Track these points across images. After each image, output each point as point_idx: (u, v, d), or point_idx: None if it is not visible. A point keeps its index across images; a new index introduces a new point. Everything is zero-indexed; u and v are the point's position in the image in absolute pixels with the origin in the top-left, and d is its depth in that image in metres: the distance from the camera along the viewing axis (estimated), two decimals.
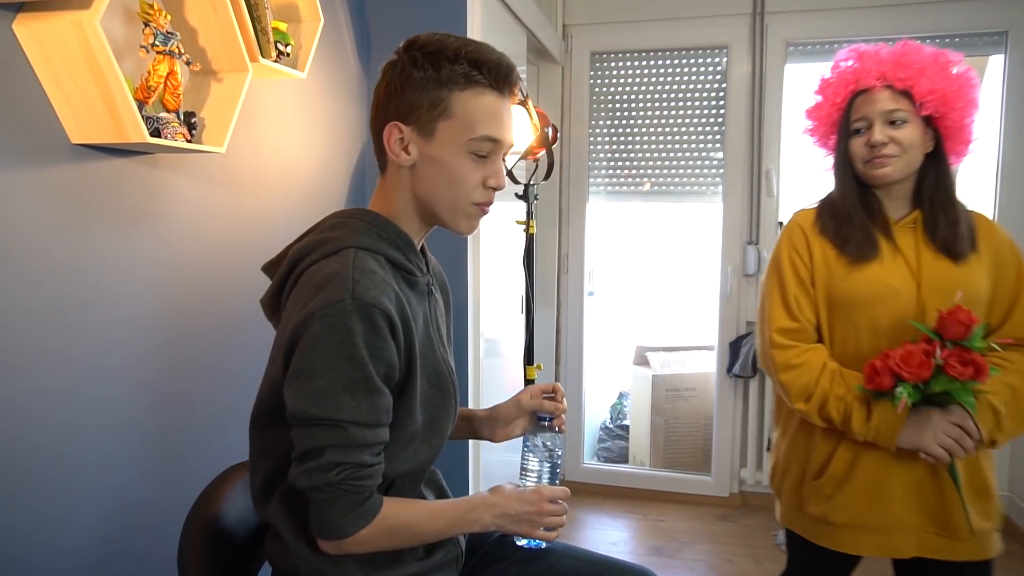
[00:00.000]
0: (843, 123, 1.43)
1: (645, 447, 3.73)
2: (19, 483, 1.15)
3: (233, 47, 1.38)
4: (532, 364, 2.15)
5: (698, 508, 3.39)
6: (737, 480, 3.43)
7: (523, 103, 2.01)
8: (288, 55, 1.60)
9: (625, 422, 4.06)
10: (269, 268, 1.06)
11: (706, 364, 3.70)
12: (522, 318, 3.05)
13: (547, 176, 2.15)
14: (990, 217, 1.46)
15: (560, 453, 1.16)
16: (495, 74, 0.96)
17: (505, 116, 0.99)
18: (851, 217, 1.41)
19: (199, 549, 1.03)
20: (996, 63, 3.16)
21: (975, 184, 3.29)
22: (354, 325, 0.88)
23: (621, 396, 4.24)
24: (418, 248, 1.04)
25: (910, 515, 1.38)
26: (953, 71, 1.37)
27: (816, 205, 1.50)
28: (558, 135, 2.05)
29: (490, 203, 1.01)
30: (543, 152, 2.05)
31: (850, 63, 1.43)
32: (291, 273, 0.99)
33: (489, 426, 1.21)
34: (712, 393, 3.56)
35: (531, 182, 2.10)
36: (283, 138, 1.78)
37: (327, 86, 1.97)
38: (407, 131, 0.97)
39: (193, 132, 1.32)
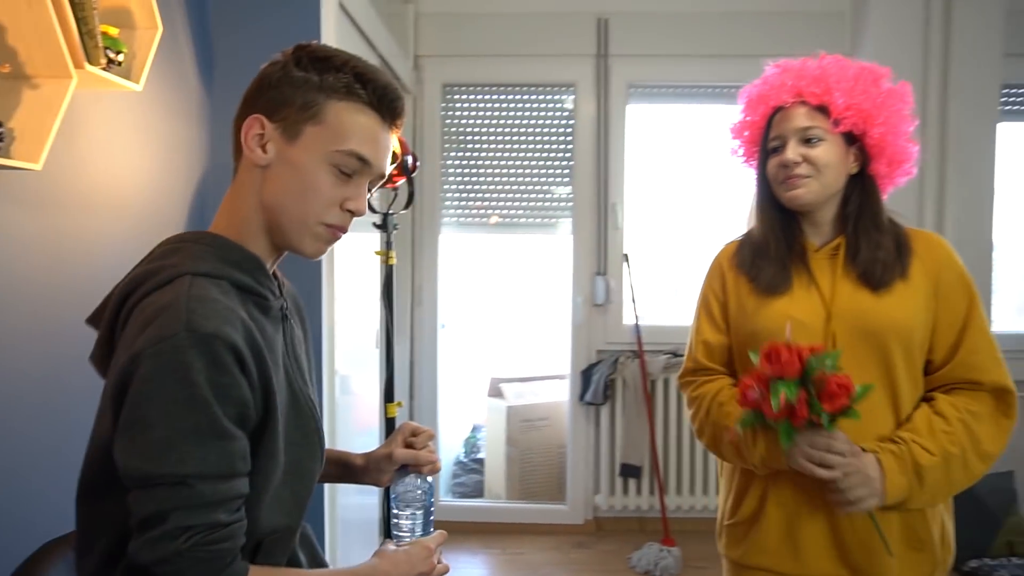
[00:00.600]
0: (762, 143, 1.35)
1: (501, 479, 3.70)
2: None
3: (53, 49, 1.20)
4: (392, 401, 2.05)
5: (556, 538, 3.40)
6: (592, 507, 3.49)
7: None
8: (119, 64, 1.42)
9: (480, 455, 4.02)
10: (94, 319, 0.90)
11: (558, 393, 3.75)
12: (376, 352, 2.93)
13: (407, 205, 2.09)
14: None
15: (431, 499, 1.07)
16: (380, 96, 0.90)
17: (381, 141, 0.92)
18: (767, 248, 1.33)
19: None
20: None
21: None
22: (192, 361, 0.76)
23: (475, 429, 4.20)
24: (270, 271, 0.93)
25: (826, 564, 1.28)
26: (878, 86, 1.28)
27: (741, 236, 1.43)
28: (417, 164, 1.99)
29: (344, 229, 0.93)
30: (403, 181, 1.98)
31: (771, 77, 1.34)
32: (120, 312, 0.85)
33: (372, 475, 1.10)
34: (565, 422, 3.61)
35: (391, 211, 2.02)
36: (113, 156, 1.58)
37: (165, 101, 1.78)
38: (269, 128, 0.88)
39: (0, 144, 1.13)
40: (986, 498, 3.09)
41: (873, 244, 1.27)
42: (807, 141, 1.27)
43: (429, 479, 1.06)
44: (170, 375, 0.75)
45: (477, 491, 3.82)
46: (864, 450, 1.20)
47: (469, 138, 3.54)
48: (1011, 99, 3.44)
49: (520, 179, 3.53)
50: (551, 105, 3.54)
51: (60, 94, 1.22)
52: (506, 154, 3.52)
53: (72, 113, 1.40)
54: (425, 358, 3.54)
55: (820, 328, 1.26)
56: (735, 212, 3.43)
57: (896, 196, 3.32)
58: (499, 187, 3.54)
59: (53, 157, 1.34)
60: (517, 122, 3.53)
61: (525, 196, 3.54)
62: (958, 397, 1.25)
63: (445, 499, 3.65)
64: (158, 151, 1.77)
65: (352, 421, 2.42)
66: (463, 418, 4.20)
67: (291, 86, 0.88)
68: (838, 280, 1.28)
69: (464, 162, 3.54)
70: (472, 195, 3.55)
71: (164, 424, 0.75)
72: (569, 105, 3.51)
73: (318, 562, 1.04)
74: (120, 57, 1.42)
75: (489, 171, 3.54)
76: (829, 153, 1.27)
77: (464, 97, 3.55)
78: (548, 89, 3.52)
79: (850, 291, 1.27)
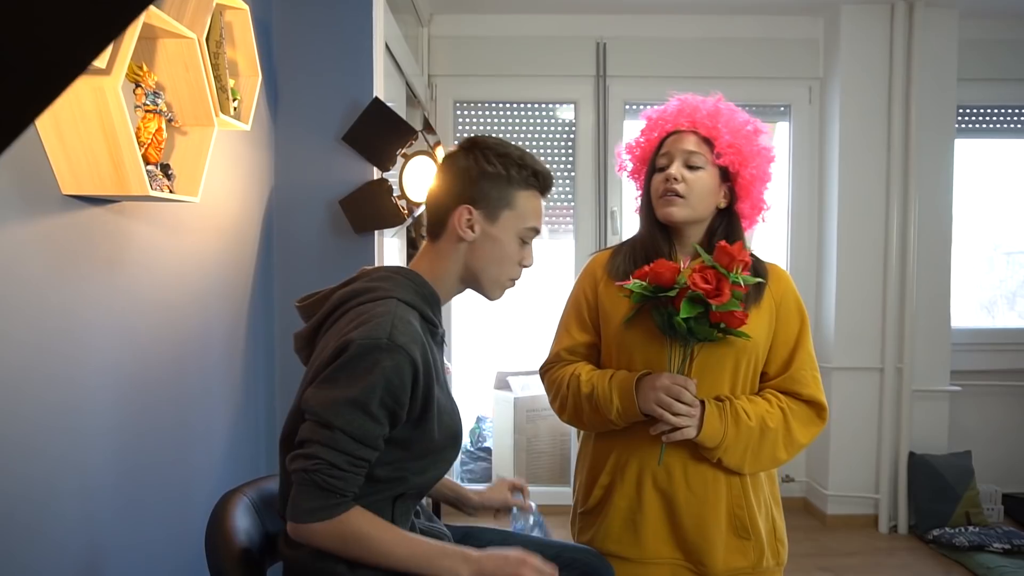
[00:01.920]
0: (651, 160, 1.51)
1: (509, 465, 4.01)
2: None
3: (201, 104, 1.48)
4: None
5: (562, 517, 3.71)
6: None
7: (430, 152, 2.23)
8: (236, 109, 1.71)
9: (485, 444, 4.32)
10: (307, 307, 1.21)
11: None
12: None
13: None
14: (784, 267, 1.57)
15: (542, 523, 1.44)
16: (544, 182, 1.25)
17: (542, 212, 1.27)
18: (638, 259, 1.46)
19: (225, 560, 1.14)
20: (783, 129, 3.90)
21: (771, 237, 4.01)
22: (382, 360, 1.06)
23: (479, 420, 4.50)
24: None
25: (664, 548, 1.44)
26: (756, 139, 1.46)
27: (615, 246, 1.58)
28: None
29: (519, 279, 1.27)
30: None
31: (672, 106, 1.51)
32: (334, 311, 1.16)
33: (482, 512, 1.47)
34: None
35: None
36: (217, 184, 1.86)
37: (252, 134, 2.07)
38: (476, 214, 1.19)
39: (170, 183, 1.41)
40: (946, 474, 3.49)
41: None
42: (689, 166, 1.44)
43: (536, 514, 1.43)
44: (364, 362, 1.06)
45: (485, 476, 4.13)
46: None
47: None
48: (965, 118, 3.84)
49: None
50: (553, 118, 3.86)
51: (206, 139, 1.50)
52: None
53: None
54: None
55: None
56: None
57: (865, 204, 3.66)
58: None
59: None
60: (522, 134, 3.84)
61: None
62: (782, 395, 1.45)
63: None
64: (246, 177, 2.06)
65: None
66: (468, 410, 4.50)
67: (488, 181, 1.19)
68: None
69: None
70: None
71: (340, 389, 1.06)
72: (569, 115, 3.83)
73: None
74: (235, 103, 1.70)
75: None
76: (705, 181, 1.45)
77: (474, 113, 3.85)
78: (550, 106, 3.84)
79: None
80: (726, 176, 1.47)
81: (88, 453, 1.35)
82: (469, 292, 1.29)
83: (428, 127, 2.22)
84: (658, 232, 1.50)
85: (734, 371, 1.44)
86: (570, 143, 3.83)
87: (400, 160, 2.32)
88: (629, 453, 1.48)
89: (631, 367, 1.46)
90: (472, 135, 1.27)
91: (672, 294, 1.30)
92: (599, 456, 1.53)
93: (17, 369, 1.16)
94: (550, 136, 3.84)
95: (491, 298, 1.26)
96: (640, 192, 1.57)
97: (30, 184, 1.20)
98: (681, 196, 1.43)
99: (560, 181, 3.84)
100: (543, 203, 1.28)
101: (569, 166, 3.82)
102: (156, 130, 1.34)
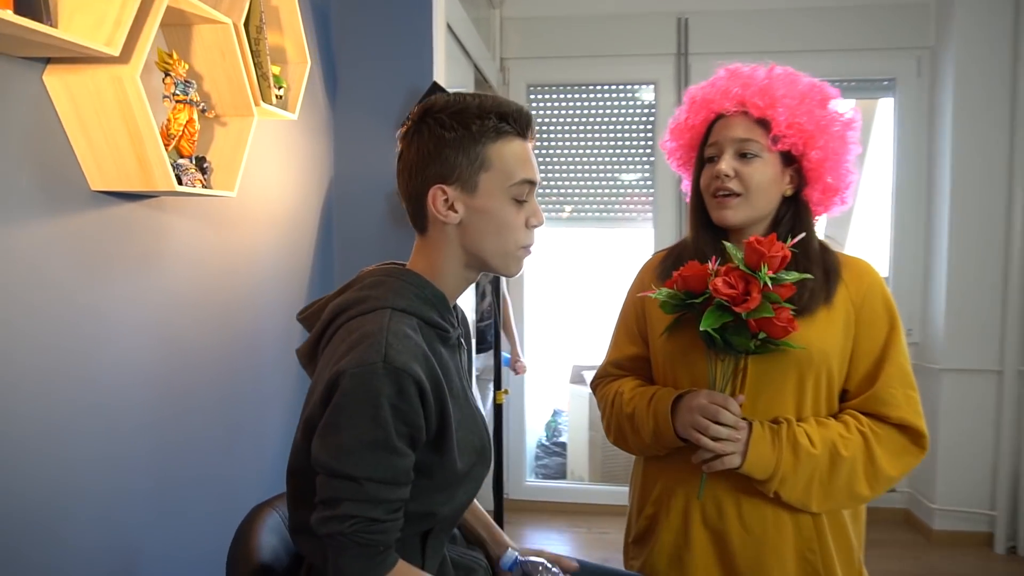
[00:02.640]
0: (699, 150, 1.29)
1: (584, 462, 3.88)
2: (26, 520, 1.13)
3: (240, 93, 1.41)
4: (500, 389, 2.24)
5: None
6: None
7: None
8: (281, 97, 1.64)
9: (561, 439, 4.20)
10: (306, 319, 1.10)
11: None
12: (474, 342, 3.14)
13: None
14: (874, 262, 1.31)
15: None
16: (519, 121, 1.01)
17: (530, 156, 1.06)
18: (695, 256, 1.26)
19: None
20: (885, 106, 3.55)
21: (872, 225, 3.67)
22: (382, 387, 0.92)
23: (555, 414, 4.38)
24: (451, 305, 1.10)
25: None
26: (823, 109, 1.21)
27: (670, 247, 1.40)
28: None
29: (532, 243, 1.08)
30: None
31: (718, 81, 1.27)
32: (329, 326, 1.04)
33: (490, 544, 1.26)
34: None
35: None
36: (267, 176, 1.81)
37: (306, 125, 2.01)
38: (451, 191, 1.00)
39: (205, 177, 1.35)
40: None
41: (801, 270, 1.17)
42: (743, 156, 1.22)
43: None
44: (364, 394, 0.92)
45: (559, 472, 4.01)
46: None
47: (555, 135, 3.70)
48: None
49: (601, 173, 3.66)
50: (632, 100, 3.66)
51: (245, 130, 1.43)
52: (589, 150, 3.66)
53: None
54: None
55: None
56: None
57: (982, 188, 3.29)
58: (581, 181, 3.69)
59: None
60: (599, 118, 3.66)
61: (606, 190, 3.67)
62: (865, 417, 1.22)
63: (530, 480, 3.84)
64: (300, 168, 2.00)
65: None
66: (544, 403, 4.39)
67: (451, 148, 0.98)
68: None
69: (550, 159, 3.70)
70: (555, 190, 3.70)
71: (349, 432, 0.92)
72: (649, 97, 3.63)
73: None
74: (281, 91, 1.63)
75: (573, 166, 3.68)
76: (763, 172, 1.22)
77: (548, 96, 3.70)
78: (628, 87, 3.64)
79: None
80: (790, 159, 1.24)
81: (121, 457, 1.31)
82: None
83: None
84: (710, 234, 1.29)
85: (798, 389, 1.22)
86: (650, 126, 3.62)
87: None
88: (675, 482, 1.29)
89: (677, 384, 1.29)
90: (429, 102, 1.04)
91: (699, 301, 1.13)
92: (647, 482, 1.37)
93: (46, 370, 1.12)
94: (629, 119, 3.64)
95: (509, 274, 1.08)
96: (689, 188, 1.34)
97: (59, 181, 1.16)
98: (736, 194, 1.22)
99: (639, 167, 3.64)
100: (529, 145, 1.04)
101: (648, 151, 3.62)
102: (188, 121, 1.28)
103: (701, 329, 1.09)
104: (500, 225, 1.03)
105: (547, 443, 4.21)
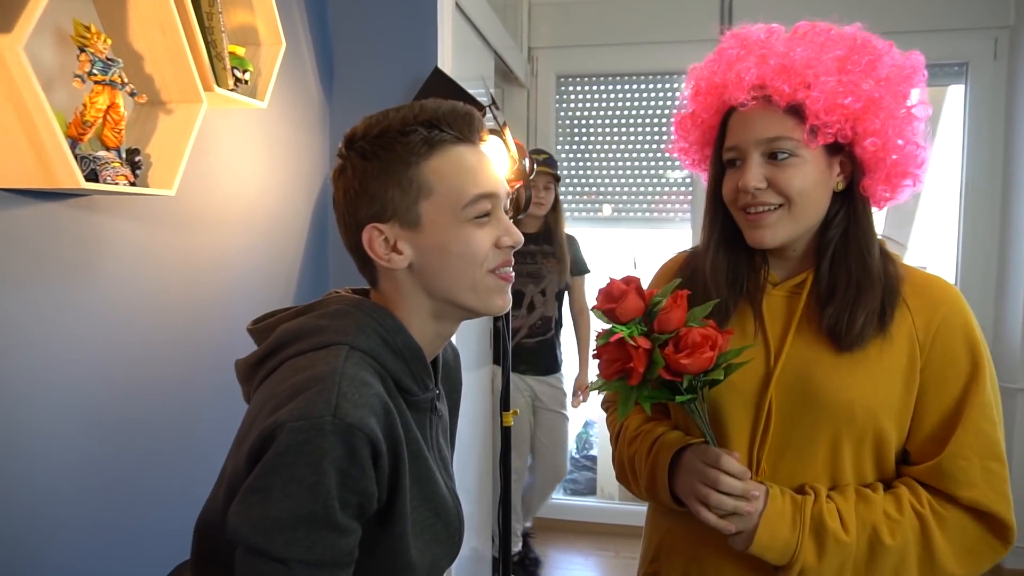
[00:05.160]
0: (715, 150, 1.01)
1: (614, 479, 3.62)
2: None
3: (185, 75, 1.22)
4: (508, 410, 2.01)
5: None
6: None
7: (499, 133, 1.89)
8: (246, 82, 1.44)
9: (592, 452, 3.95)
10: (258, 333, 0.89)
11: None
12: (489, 352, 2.92)
13: (524, 210, 2.03)
14: (947, 275, 1.06)
15: None
16: (457, 125, 0.83)
17: (485, 164, 0.85)
18: (706, 282, 1.02)
19: None
20: (956, 93, 3.19)
21: (936, 225, 3.32)
22: (329, 449, 0.73)
23: (587, 425, 4.13)
24: (430, 357, 0.89)
25: None
26: (874, 70, 0.92)
27: (687, 253, 1.14)
28: (535, 167, 1.93)
29: (509, 264, 0.86)
30: (520, 185, 1.93)
31: (727, 55, 0.98)
32: (275, 353, 0.83)
33: None
34: None
35: (509, 216, 1.98)
36: (240, 173, 1.61)
37: (288, 115, 1.81)
38: (387, 229, 0.82)
39: (137, 172, 1.16)
40: None
41: (852, 286, 0.93)
42: (772, 156, 0.93)
43: None
44: (304, 456, 0.72)
45: (589, 488, 3.77)
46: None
47: (584, 130, 3.45)
48: None
49: (641, 171, 3.40)
50: (671, 91, 3.38)
51: (191, 119, 1.24)
52: (623, 145, 3.40)
53: (202, 135, 1.44)
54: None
55: (754, 391, 0.96)
56: None
57: None
58: (619, 179, 3.43)
59: (185, 179, 1.38)
60: (635, 110, 3.40)
61: (647, 188, 3.40)
62: (930, 493, 0.93)
63: (558, 496, 3.61)
64: (282, 163, 1.80)
65: (463, 431, 2.41)
66: (575, 413, 4.15)
67: (376, 180, 0.81)
68: (798, 327, 0.96)
69: (579, 155, 3.45)
70: (591, 188, 3.46)
71: (283, 503, 0.72)
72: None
73: None
74: (246, 76, 1.44)
75: (605, 162, 3.43)
76: (804, 176, 0.93)
77: (580, 88, 3.45)
78: (668, 77, 3.36)
79: (806, 346, 0.95)
80: (836, 147, 0.94)
81: (46, 502, 1.12)
82: None
83: (495, 103, 1.86)
84: (731, 255, 1.01)
85: (833, 450, 0.94)
86: None
87: None
88: (677, 538, 1.05)
89: (685, 422, 1.03)
90: (351, 131, 0.85)
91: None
92: (652, 530, 1.13)
93: None
94: (667, 112, 3.37)
95: (493, 311, 0.86)
96: (707, 192, 1.04)
97: None
98: (774, 206, 0.94)
99: (679, 164, 3.36)
100: (479, 148, 0.85)
101: None
102: (110, 106, 1.09)
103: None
104: (461, 258, 0.82)
105: (577, 456, 3.97)
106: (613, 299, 0.87)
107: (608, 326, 0.89)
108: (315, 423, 0.73)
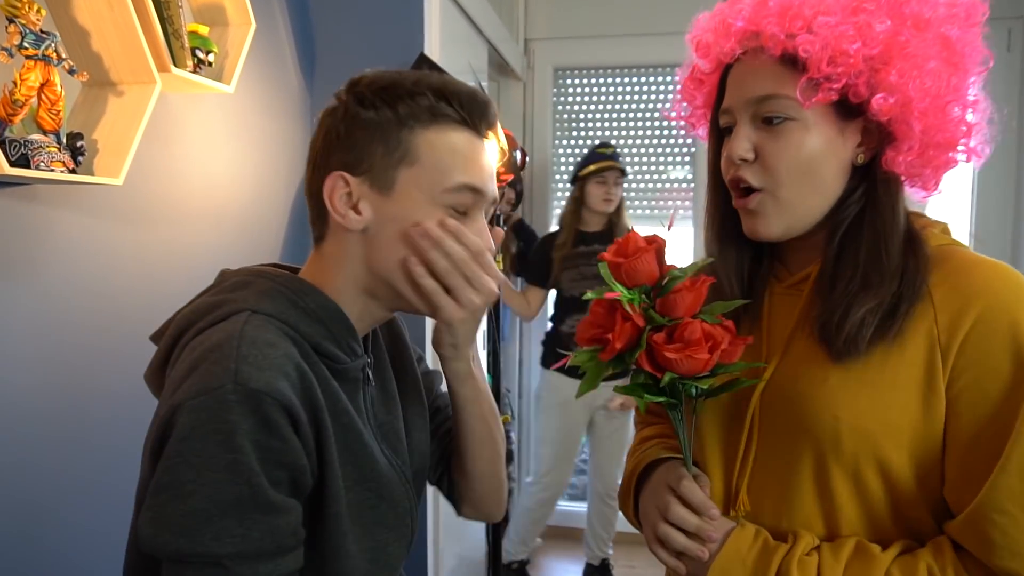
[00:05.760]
0: (713, 115, 0.84)
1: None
2: None
3: (136, 54, 1.11)
4: (501, 415, 1.90)
5: None
6: None
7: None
8: (210, 64, 1.33)
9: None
10: (157, 337, 0.80)
11: None
12: (483, 354, 2.80)
13: (515, 206, 1.93)
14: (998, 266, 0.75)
15: None
16: (469, 108, 0.75)
17: (485, 160, 0.77)
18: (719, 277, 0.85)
19: None
20: None
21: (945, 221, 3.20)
22: (238, 422, 0.63)
23: None
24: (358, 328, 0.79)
25: None
26: (908, 4, 0.72)
27: None
28: (527, 160, 1.82)
29: None
30: (511, 179, 1.82)
31: (718, 9, 0.82)
32: (175, 347, 0.74)
33: None
34: None
35: (498, 212, 1.87)
36: (206, 163, 1.50)
37: (261, 102, 1.70)
38: (355, 183, 0.74)
39: (79, 159, 1.05)
40: None
41: (855, 281, 0.74)
42: (767, 122, 0.76)
43: None
44: (211, 436, 0.63)
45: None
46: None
47: (581, 124, 3.34)
48: None
49: (636, 166, 3.28)
50: (673, 85, 3.27)
51: (143, 101, 1.13)
52: (623, 140, 3.29)
53: (160, 121, 1.32)
54: (535, 355, 3.39)
55: (735, 405, 0.80)
56: None
57: None
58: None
59: (141, 169, 1.27)
60: (635, 104, 3.28)
61: (646, 186, 3.29)
62: (961, 558, 0.70)
63: (560, 502, 3.49)
64: (255, 153, 1.69)
65: None
66: None
67: (364, 130, 0.73)
68: (798, 329, 0.79)
69: (576, 149, 3.34)
70: None
71: (201, 492, 0.62)
72: None
73: None
74: (210, 57, 1.33)
75: None
76: (801, 145, 0.74)
77: (578, 81, 3.34)
78: (667, 69, 3.25)
79: (803, 352, 0.78)
80: (851, 108, 0.74)
81: None
82: None
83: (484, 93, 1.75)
84: (735, 249, 0.83)
85: (820, 484, 0.75)
86: None
87: None
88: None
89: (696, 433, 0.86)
90: (357, 75, 0.76)
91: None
92: None
93: None
94: (668, 107, 3.25)
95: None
96: (708, 169, 0.87)
97: None
98: (758, 189, 0.77)
99: (684, 159, 3.25)
100: (484, 144, 0.77)
101: (689, 142, 3.22)
102: (45, 84, 0.97)
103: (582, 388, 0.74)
104: None
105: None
106: (626, 254, 0.73)
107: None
108: (216, 395, 0.63)
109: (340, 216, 0.74)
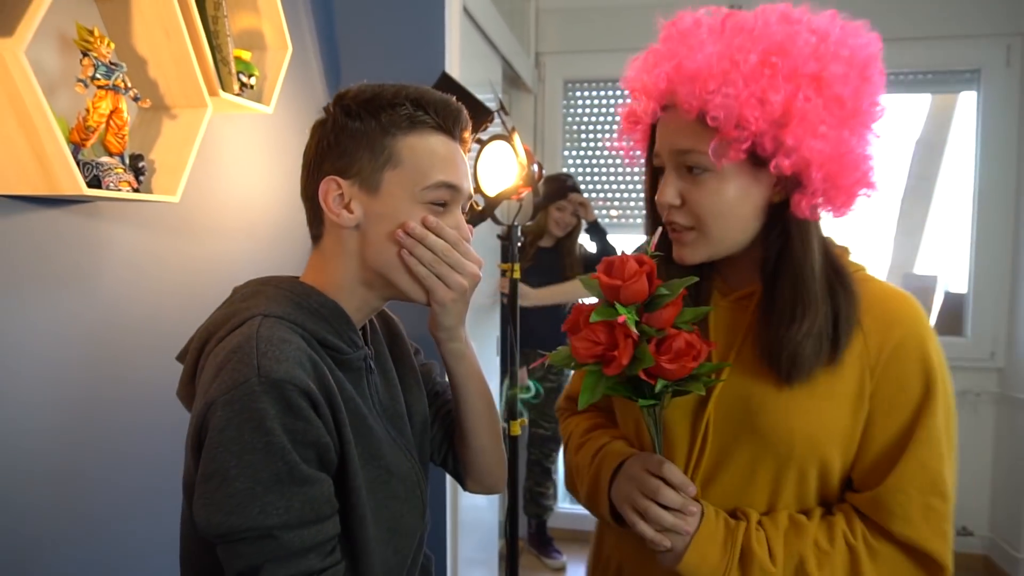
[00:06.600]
0: (648, 154, 0.95)
1: None
2: None
3: (189, 80, 1.20)
4: (516, 419, 1.99)
5: None
6: None
7: (507, 138, 1.87)
8: (252, 87, 1.42)
9: None
10: (182, 356, 0.90)
11: None
12: (496, 360, 2.88)
13: (533, 217, 2.01)
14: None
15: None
16: (443, 115, 0.85)
17: (459, 160, 0.88)
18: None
19: None
20: (968, 100, 3.16)
21: (947, 236, 3.28)
22: (266, 408, 0.72)
23: None
24: (359, 323, 0.89)
25: None
26: (806, 69, 0.78)
27: None
28: (543, 173, 1.91)
29: None
30: (528, 192, 1.90)
31: (658, 47, 0.88)
32: (200, 359, 0.83)
33: None
34: None
35: (515, 223, 1.95)
36: (245, 180, 1.59)
37: (294, 120, 1.79)
38: (346, 186, 0.84)
39: (141, 178, 1.14)
40: None
41: (788, 315, 0.85)
42: (690, 170, 0.85)
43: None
44: (245, 423, 0.72)
45: None
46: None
47: (591, 135, 3.43)
48: None
49: (643, 176, 3.37)
50: None
51: (196, 124, 1.22)
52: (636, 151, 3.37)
53: (207, 141, 1.41)
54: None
55: (692, 407, 0.90)
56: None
57: None
58: (622, 185, 3.41)
59: (189, 186, 1.36)
60: None
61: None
62: (866, 525, 0.87)
63: (563, 505, 3.57)
64: (288, 169, 1.78)
65: None
66: None
67: (353, 139, 0.83)
68: (745, 344, 0.90)
69: (586, 161, 3.43)
70: (594, 194, 3.43)
71: (243, 475, 0.72)
72: None
73: None
74: (252, 80, 1.42)
75: (612, 168, 3.41)
76: (718, 193, 0.84)
77: (588, 94, 3.43)
78: None
79: (751, 366, 0.88)
80: (762, 159, 0.82)
81: (47, 493, 1.10)
82: None
83: (504, 108, 1.84)
84: (677, 269, 0.91)
85: (774, 479, 0.89)
86: None
87: (475, 147, 1.97)
88: (621, 554, 1.01)
89: (631, 433, 1.00)
90: (343, 90, 0.88)
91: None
92: (598, 544, 1.09)
93: None
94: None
95: (413, 298, 0.86)
96: (645, 197, 0.98)
97: None
98: (689, 228, 0.88)
99: None
100: (457, 146, 0.87)
101: None
102: (113, 111, 1.06)
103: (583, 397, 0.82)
104: None
105: None
106: (622, 277, 0.81)
107: (594, 301, 0.84)
108: (243, 388, 0.72)
109: (335, 215, 0.84)
